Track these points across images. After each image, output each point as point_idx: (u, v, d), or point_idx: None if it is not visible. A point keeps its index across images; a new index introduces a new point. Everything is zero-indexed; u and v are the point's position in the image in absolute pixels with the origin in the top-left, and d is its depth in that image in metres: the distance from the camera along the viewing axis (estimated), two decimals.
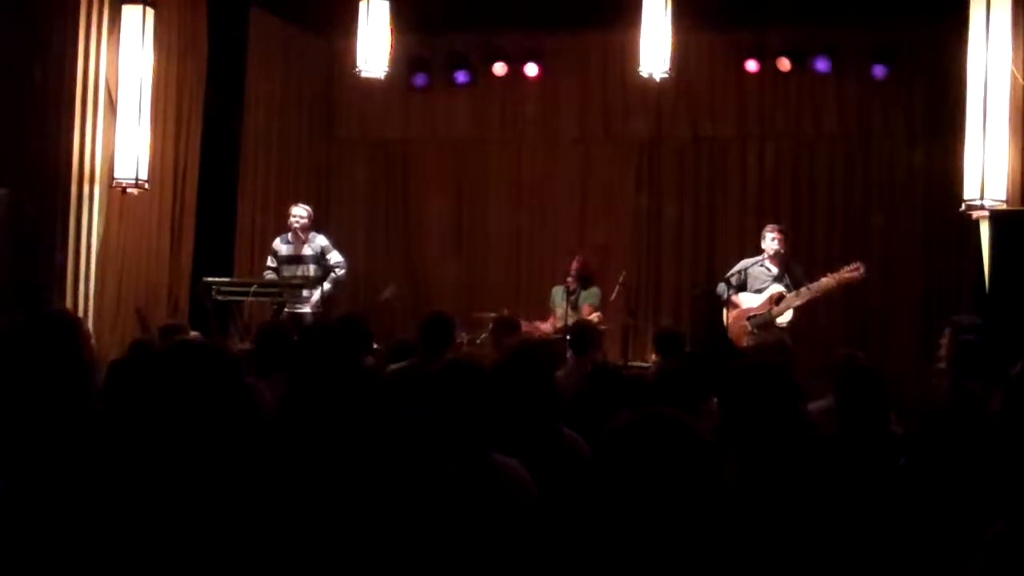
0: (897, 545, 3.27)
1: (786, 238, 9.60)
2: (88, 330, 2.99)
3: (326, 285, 9.39)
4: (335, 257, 9.57)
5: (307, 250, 9.54)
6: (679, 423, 2.35)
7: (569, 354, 6.95)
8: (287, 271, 9.52)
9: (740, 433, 2.85)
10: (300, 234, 9.55)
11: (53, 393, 2.68)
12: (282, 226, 9.86)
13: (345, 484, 2.84)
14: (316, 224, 9.85)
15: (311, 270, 9.48)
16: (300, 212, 9.61)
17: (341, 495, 2.84)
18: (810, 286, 9.31)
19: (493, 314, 9.74)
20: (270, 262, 9.64)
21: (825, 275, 9.32)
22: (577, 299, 9.94)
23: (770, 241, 9.49)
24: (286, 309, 9.16)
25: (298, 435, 2.82)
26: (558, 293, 10.19)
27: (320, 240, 9.62)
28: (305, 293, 9.36)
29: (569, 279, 9.97)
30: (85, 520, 2.22)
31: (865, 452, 4.02)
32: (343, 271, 9.59)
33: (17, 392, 2.71)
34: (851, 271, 9.29)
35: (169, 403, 2.60)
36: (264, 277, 9.55)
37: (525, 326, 9.72)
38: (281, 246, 9.61)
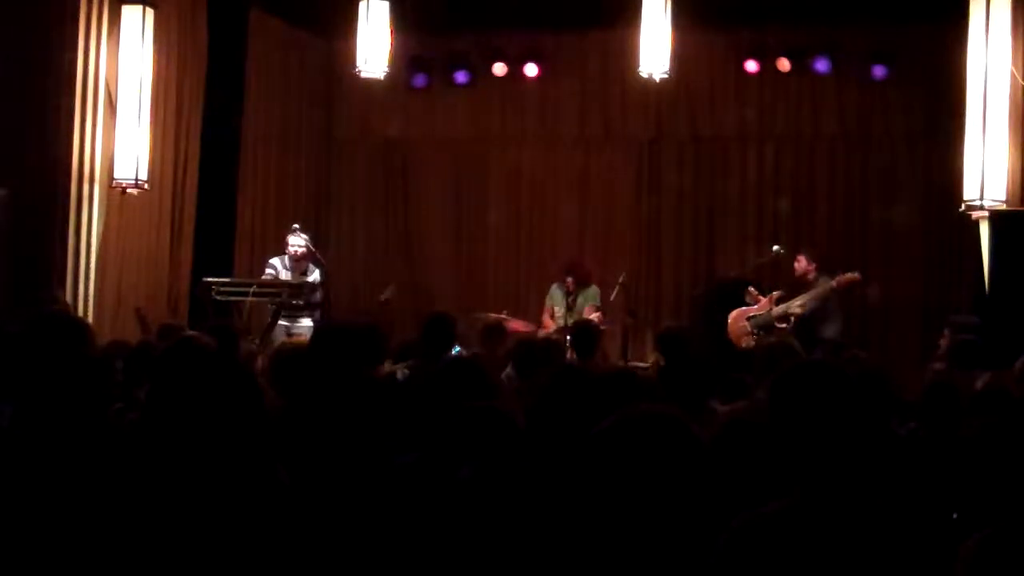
0: (898, 544, 3.26)
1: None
2: (93, 332, 2.98)
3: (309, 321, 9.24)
4: (318, 295, 9.41)
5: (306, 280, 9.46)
6: (673, 421, 2.34)
7: (571, 356, 6.92)
8: None
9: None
10: (299, 263, 9.43)
11: (64, 393, 2.68)
12: (282, 228, 9.83)
13: (349, 487, 2.84)
14: (312, 230, 9.69)
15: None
16: (298, 242, 9.40)
17: (345, 498, 2.84)
18: (811, 291, 9.36)
19: (493, 314, 9.74)
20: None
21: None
22: (575, 299, 9.92)
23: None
24: (283, 322, 9.10)
25: (305, 439, 2.82)
26: (557, 290, 10.18)
27: (314, 276, 9.46)
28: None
29: (569, 280, 9.95)
30: (94, 519, 2.22)
31: (867, 453, 4.02)
32: (318, 312, 9.37)
33: (28, 392, 2.71)
34: (850, 276, 9.33)
35: (173, 403, 2.60)
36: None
37: (525, 327, 9.73)
38: (281, 270, 9.46)
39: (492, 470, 2.99)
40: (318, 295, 9.36)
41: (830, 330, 9.25)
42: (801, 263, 9.61)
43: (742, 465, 2.86)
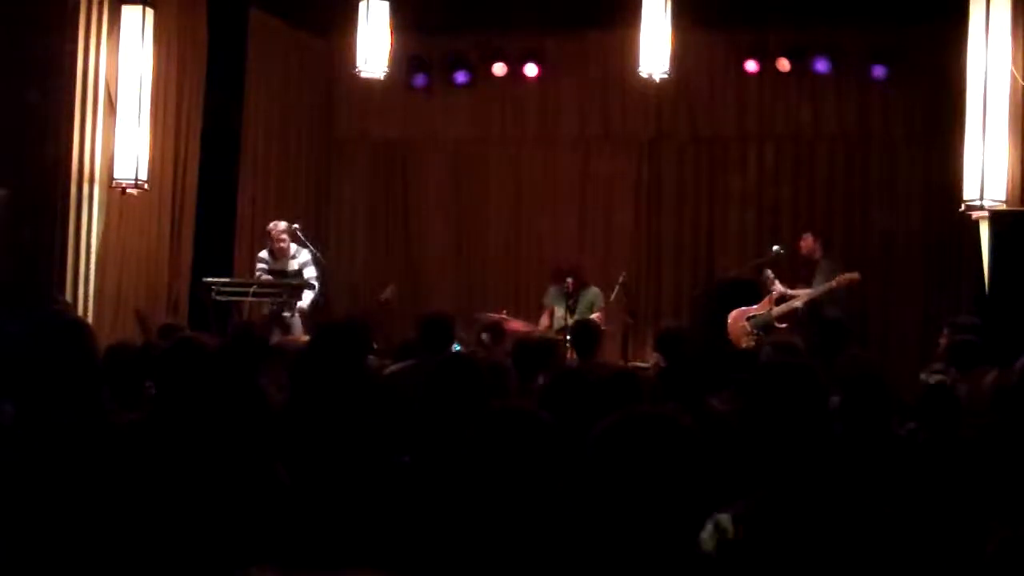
0: (898, 544, 3.26)
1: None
2: (94, 332, 2.98)
3: (306, 302, 9.32)
4: (309, 272, 9.54)
5: (293, 265, 9.61)
6: (672, 422, 2.35)
7: (571, 356, 6.91)
8: None
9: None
10: (285, 250, 9.60)
11: (63, 396, 2.68)
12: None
13: (349, 482, 2.84)
14: (312, 230, 9.81)
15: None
16: (281, 226, 9.64)
17: (346, 492, 2.84)
18: (812, 289, 9.37)
19: (493, 314, 9.73)
20: (260, 275, 9.61)
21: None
22: (576, 302, 9.87)
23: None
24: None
25: (304, 435, 2.82)
26: (555, 292, 10.13)
27: (303, 256, 9.62)
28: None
29: (569, 281, 9.90)
30: (96, 518, 2.22)
31: (867, 453, 4.02)
32: (313, 293, 9.50)
33: (28, 392, 2.71)
34: (849, 276, 9.33)
35: (175, 404, 2.60)
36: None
37: (525, 327, 9.71)
38: (269, 259, 9.66)
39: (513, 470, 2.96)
40: (312, 273, 9.50)
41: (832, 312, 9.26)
42: (807, 241, 9.71)
43: (723, 462, 2.87)
